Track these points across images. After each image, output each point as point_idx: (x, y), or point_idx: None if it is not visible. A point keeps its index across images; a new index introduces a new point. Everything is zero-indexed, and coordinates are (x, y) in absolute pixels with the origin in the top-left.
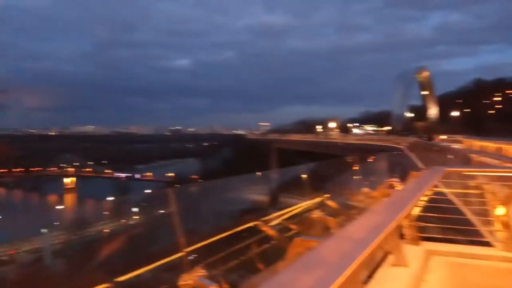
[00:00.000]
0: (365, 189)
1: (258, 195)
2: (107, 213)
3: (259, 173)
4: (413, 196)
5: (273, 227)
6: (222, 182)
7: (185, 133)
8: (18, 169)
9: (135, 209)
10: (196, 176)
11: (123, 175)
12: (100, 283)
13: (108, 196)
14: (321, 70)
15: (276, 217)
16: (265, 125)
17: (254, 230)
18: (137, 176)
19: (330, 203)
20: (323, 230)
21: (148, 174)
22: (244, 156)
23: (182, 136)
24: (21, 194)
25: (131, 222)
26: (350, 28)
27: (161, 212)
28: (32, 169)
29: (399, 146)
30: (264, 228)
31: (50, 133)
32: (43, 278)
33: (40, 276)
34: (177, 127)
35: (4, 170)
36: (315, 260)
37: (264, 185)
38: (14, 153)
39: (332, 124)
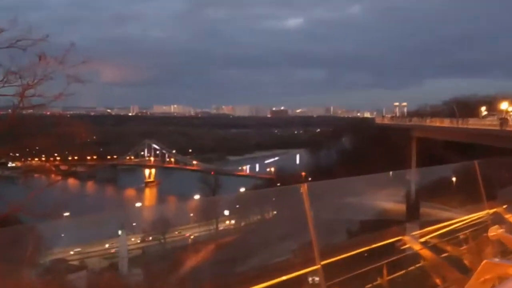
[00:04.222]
0: None
1: (391, 203)
2: (193, 214)
3: (392, 172)
4: None
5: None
6: (340, 183)
7: (291, 116)
8: (92, 157)
9: (227, 212)
10: (304, 173)
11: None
12: None
13: (194, 194)
14: (490, 26)
15: (422, 234)
16: (402, 105)
17: (391, 247)
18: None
19: (510, 216)
20: (501, 252)
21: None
22: (371, 147)
23: (287, 120)
24: (95, 186)
25: (222, 228)
26: None
27: (263, 217)
28: (108, 157)
29: None
30: (412, 245)
31: (129, 114)
32: None
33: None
34: (282, 108)
35: (76, 158)
36: None
37: (399, 189)
38: (89, 137)
39: (505, 105)
